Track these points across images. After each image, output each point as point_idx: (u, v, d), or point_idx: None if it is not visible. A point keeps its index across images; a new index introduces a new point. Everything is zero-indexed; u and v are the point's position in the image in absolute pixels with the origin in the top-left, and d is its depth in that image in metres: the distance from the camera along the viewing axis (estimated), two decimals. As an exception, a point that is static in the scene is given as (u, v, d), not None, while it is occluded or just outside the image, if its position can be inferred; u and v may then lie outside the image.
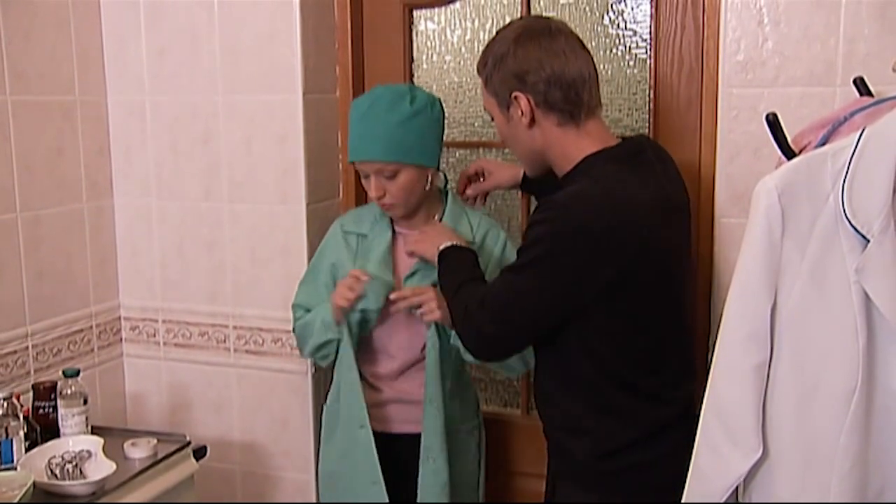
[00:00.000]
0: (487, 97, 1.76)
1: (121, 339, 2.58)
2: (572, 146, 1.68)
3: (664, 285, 1.67)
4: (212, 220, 2.44)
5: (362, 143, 1.94)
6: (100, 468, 1.91)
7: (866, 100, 1.55)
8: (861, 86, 1.68)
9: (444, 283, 1.84)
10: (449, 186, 2.15)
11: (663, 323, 1.70)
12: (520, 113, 1.68)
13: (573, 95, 1.66)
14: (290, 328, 2.17)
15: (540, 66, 1.65)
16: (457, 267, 1.84)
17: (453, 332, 1.91)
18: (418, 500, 1.98)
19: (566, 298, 1.62)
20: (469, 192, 2.16)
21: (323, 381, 2.34)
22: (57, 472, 1.90)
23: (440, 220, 2.05)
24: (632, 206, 1.59)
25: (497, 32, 1.76)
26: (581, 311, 1.63)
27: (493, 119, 1.78)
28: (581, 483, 1.74)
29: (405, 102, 1.92)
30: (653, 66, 2.15)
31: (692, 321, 2.00)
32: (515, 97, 1.68)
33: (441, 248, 1.88)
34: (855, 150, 1.29)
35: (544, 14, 2.25)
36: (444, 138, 1.98)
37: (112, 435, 2.08)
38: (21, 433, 1.94)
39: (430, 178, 1.99)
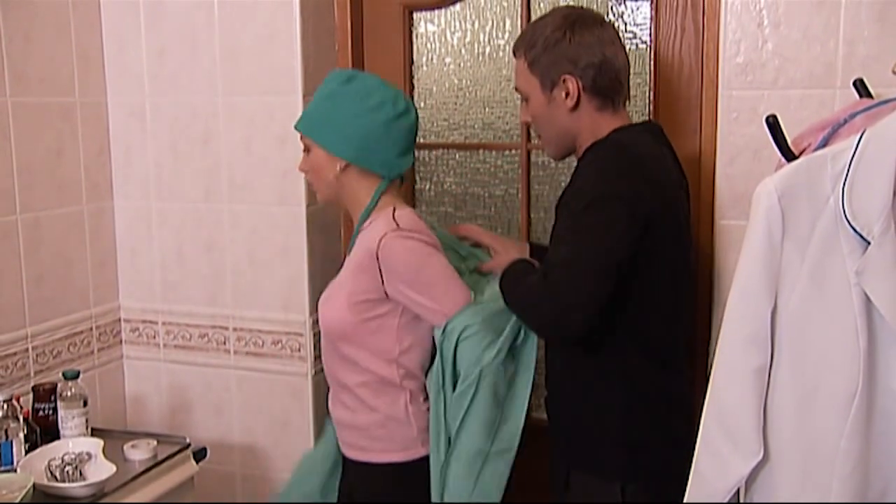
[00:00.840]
0: (528, 77, 1.77)
1: (121, 341, 2.57)
2: (604, 127, 1.75)
3: (679, 251, 1.75)
4: (212, 222, 2.44)
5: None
6: (100, 470, 1.91)
7: (866, 102, 1.55)
8: (861, 88, 1.68)
9: (504, 287, 1.77)
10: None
11: (678, 288, 1.75)
12: (564, 94, 1.74)
13: (617, 83, 1.75)
14: (289, 330, 2.16)
15: (594, 53, 1.72)
16: (515, 274, 1.77)
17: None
18: None
19: (627, 234, 1.61)
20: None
21: (323, 383, 2.33)
22: (57, 473, 1.90)
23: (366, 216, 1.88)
24: (660, 168, 1.72)
25: (540, 18, 1.80)
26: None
27: (525, 99, 1.80)
28: (598, 471, 1.73)
29: (340, 80, 1.85)
30: (652, 68, 2.15)
31: (691, 323, 2.00)
32: (564, 80, 1.73)
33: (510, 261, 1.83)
34: (855, 153, 1.28)
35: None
36: (443, 140, 1.94)
37: (112, 437, 2.08)
38: (21, 435, 1.94)
39: (339, 170, 1.84)
